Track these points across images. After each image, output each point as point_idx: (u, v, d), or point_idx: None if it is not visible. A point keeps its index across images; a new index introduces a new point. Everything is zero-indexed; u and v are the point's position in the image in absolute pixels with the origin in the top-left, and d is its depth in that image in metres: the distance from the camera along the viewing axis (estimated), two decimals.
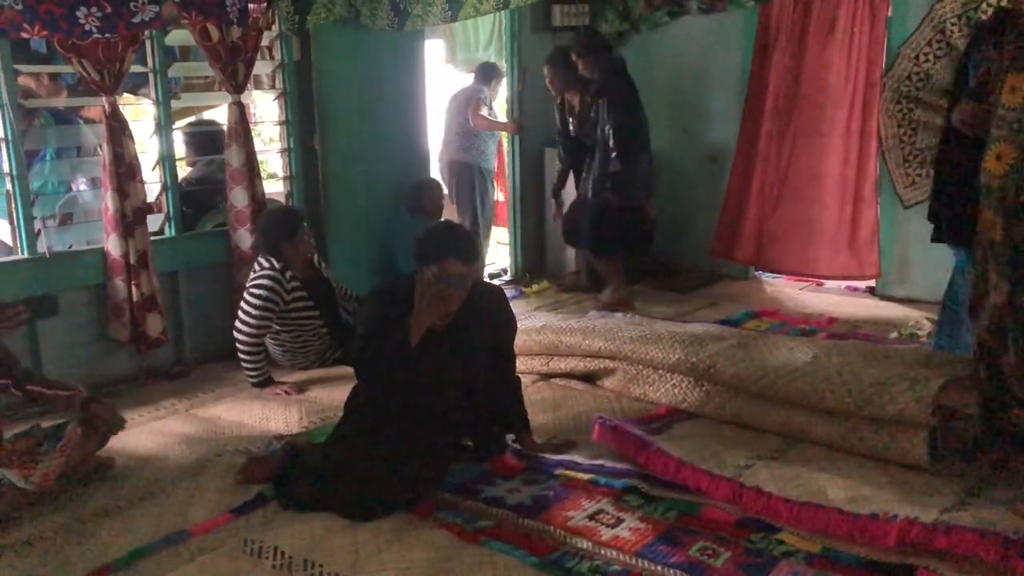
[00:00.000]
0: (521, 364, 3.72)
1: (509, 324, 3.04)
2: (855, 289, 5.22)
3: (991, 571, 2.22)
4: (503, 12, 5.52)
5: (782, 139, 5.25)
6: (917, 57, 4.61)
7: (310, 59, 4.40)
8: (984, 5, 4.29)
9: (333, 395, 3.56)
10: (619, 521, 2.57)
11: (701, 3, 5.36)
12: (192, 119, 4.93)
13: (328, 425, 3.14)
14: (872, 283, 5.11)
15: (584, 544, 2.43)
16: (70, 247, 3.88)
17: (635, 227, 4.95)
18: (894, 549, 2.33)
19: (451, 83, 5.83)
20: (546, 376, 3.77)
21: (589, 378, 3.71)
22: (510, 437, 3.08)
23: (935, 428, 2.80)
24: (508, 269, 5.93)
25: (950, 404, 2.90)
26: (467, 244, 2.81)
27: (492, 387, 2.98)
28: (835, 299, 5.10)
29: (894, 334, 4.24)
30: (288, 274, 3.76)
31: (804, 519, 2.48)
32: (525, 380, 3.71)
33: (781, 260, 5.41)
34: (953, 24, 4.43)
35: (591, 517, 2.60)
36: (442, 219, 4.51)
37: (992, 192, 2.56)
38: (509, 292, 5.34)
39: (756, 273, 5.66)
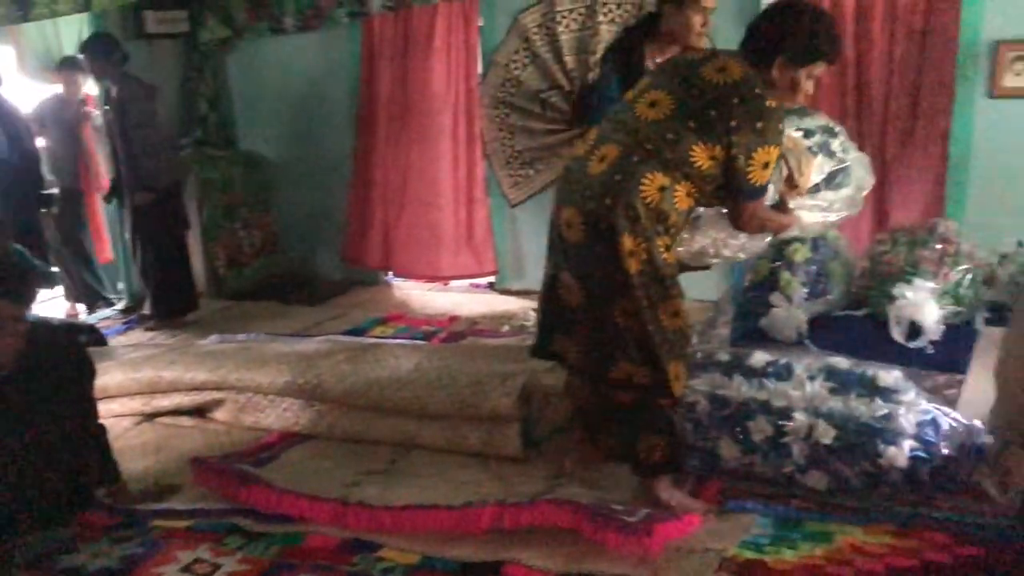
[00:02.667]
0: (119, 406, 3.41)
1: (82, 370, 2.72)
2: (478, 286, 5.47)
3: (575, 553, 2.38)
4: (87, 16, 5.02)
5: (398, 145, 5.35)
6: (508, 64, 4.90)
7: None
8: (559, 17, 4.66)
9: None
10: (216, 568, 2.41)
11: (297, 21, 5.32)
12: None
13: None
14: (492, 279, 5.38)
15: None
16: None
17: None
18: (490, 537, 2.42)
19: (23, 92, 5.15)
20: (151, 416, 3.48)
21: (200, 412, 3.48)
22: (101, 492, 2.78)
23: (526, 418, 2.98)
24: (120, 297, 5.41)
25: (541, 392, 3.10)
26: (16, 282, 2.47)
27: (69, 442, 2.66)
28: (459, 298, 5.29)
29: (506, 327, 4.48)
30: None
31: (406, 523, 2.50)
32: (125, 423, 3.40)
33: (410, 264, 5.53)
34: (535, 34, 4.77)
35: (185, 569, 2.41)
36: None
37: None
38: (120, 325, 4.90)
39: (388, 278, 5.73)
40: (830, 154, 3.01)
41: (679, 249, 2.62)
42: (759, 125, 2.34)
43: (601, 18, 4.58)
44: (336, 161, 5.54)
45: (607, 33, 4.51)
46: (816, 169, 2.91)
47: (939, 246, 2.97)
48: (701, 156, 2.35)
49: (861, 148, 3.51)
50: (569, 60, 4.71)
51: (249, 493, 2.67)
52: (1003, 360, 2.60)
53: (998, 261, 3.08)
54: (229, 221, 5.55)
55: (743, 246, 2.81)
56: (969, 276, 2.94)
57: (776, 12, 2.44)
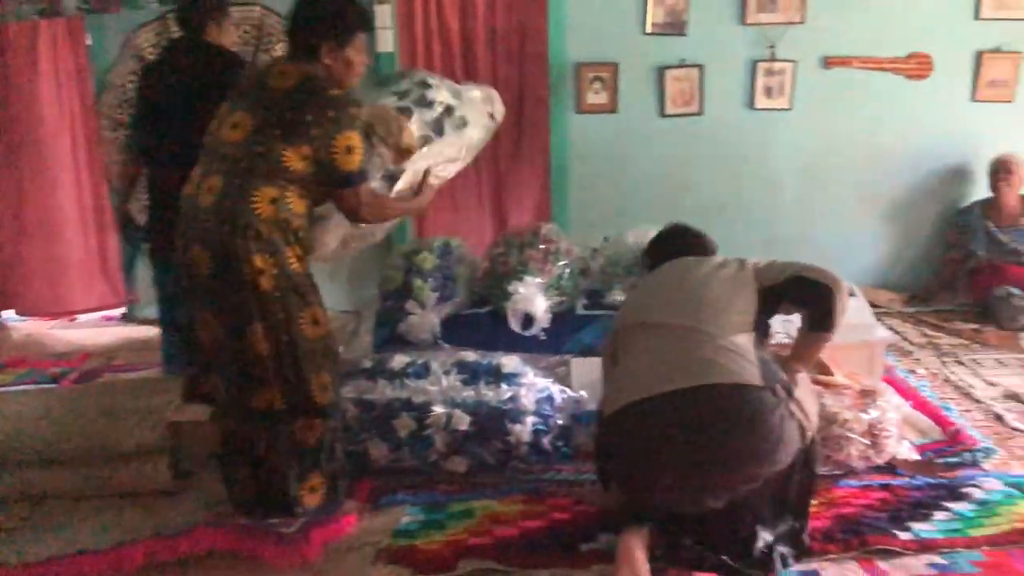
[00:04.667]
0: None
1: None
2: (111, 318, 5.14)
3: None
4: None
5: (10, 177, 4.91)
6: (124, 85, 4.68)
7: None
8: (167, 35, 4.53)
9: None
10: None
11: None
12: None
13: None
14: (124, 309, 5.09)
15: None
16: None
17: None
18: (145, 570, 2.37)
19: None
20: None
21: None
22: None
23: (176, 449, 2.92)
24: None
25: (191, 421, 3.05)
26: None
27: None
28: (90, 332, 4.94)
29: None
30: None
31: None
32: None
33: (34, 300, 5.10)
34: (150, 53, 4.61)
35: None
36: None
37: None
38: None
39: (2, 318, 5.17)
40: (428, 104, 3.04)
41: (317, 254, 2.72)
42: (331, 114, 2.45)
43: None
44: None
45: None
46: (418, 124, 2.97)
47: (543, 246, 3.41)
48: (293, 159, 2.44)
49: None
50: None
51: None
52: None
53: (591, 255, 3.60)
54: None
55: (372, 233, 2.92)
56: (568, 270, 3.42)
57: (300, 10, 2.58)
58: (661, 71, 4.68)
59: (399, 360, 3.04)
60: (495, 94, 3.41)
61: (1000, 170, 4.62)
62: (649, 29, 4.63)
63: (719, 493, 2.25)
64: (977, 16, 4.65)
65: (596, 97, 4.71)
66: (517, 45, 4.65)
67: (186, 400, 2.99)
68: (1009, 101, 4.74)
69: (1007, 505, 2.66)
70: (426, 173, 2.93)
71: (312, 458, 2.58)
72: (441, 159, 3.04)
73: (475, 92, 3.31)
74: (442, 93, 3.13)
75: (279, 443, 2.54)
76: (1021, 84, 4.73)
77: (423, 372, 3.00)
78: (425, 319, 3.25)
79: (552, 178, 4.77)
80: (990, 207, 4.70)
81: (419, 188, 2.91)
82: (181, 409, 2.97)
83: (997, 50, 4.68)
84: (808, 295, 2.42)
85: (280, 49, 4.55)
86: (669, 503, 2.28)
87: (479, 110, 3.25)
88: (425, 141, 2.98)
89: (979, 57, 4.70)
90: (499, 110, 3.37)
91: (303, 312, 2.50)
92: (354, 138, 2.50)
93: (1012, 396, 3.53)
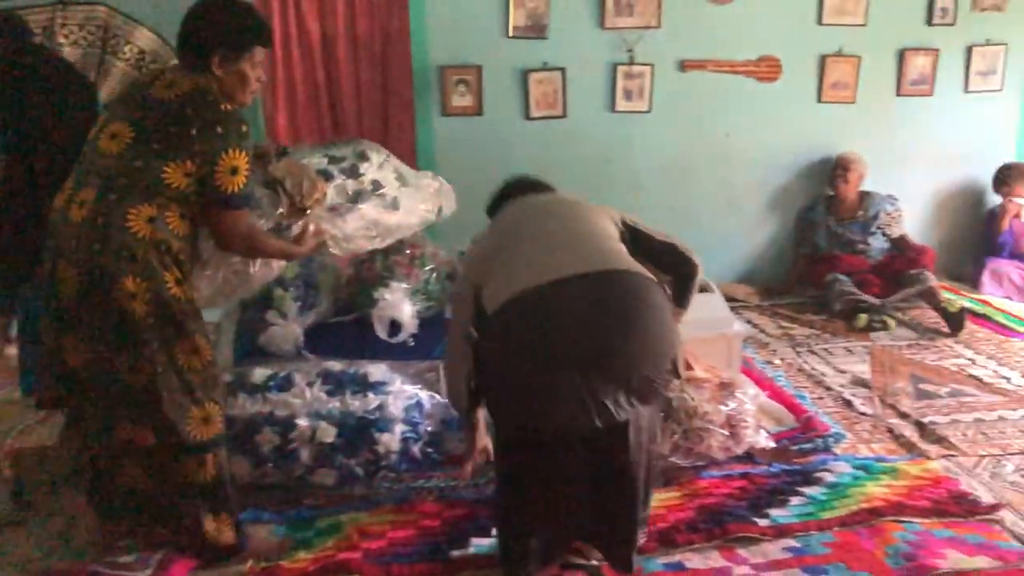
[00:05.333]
0: None
1: None
2: None
3: None
4: None
5: None
6: None
7: None
8: None
9: None
10: None
11: None
12: None
13: None
14: None
15: None
16: None
17: None
18: None
19: None
20: None
21: None
22: None
23: (17, 478, 2.74)
24: None
25: (34, 448, 2.87)
26: None
27: None
28: None
29: None
30: None
31: None
32: None
33: None
34: None
35: None
36: None
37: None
38: None
39: None
40: (355, 175, 2.98)
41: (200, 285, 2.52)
42: (219, 130, 2.29)
43: (62, 39, 4.30)
44: None
45: (71, 56, 4.25)
46: (337, 190, 2.89)
47: (408, 251, 3.37)
48: (175, 175, 2.26)
49: None
50: None
51: None
52: None
53: (457, 258, 3.58)
54: None
55: (254, 275, 2.71)
56: (434, 274, 3.39)
57: (193, 17, 2.39)
58: (525, 74, 4.72)
59: (260, 373, 2.94)
60: (450, 192, 3.32)
61: (839, 167, 4.90)
62: (511, 32, 4.66)
63: (617, 394, 2.09)
64: (820, 21, 4.90)
65: (461, 100, 4.70)
66: (380, 49, 4.58)
67: (40, 407, 2.77)
68: (851, 102, 5.02)
69: (855, 487, 2.81)
70: (317, 228, 2.74)
71: (211, 495, 2.40)
72: (348, 229, 2.88)
73: (429, 182, 3.24)
74: (382, 172, 3.05)
75: (165, 483, 2.38)
76: (862, 86, 5.02)
77: (286, 384, 2.90)
78: (287, 329, 3.15)
79: None
80: (832, 203, 4.96)
81: (300, 239, 2.69)
82: (24, 433, 2.79)
83: (839, 53, 4.95)
84: (679, 265, 2.57)
85: (129, 51, 4.34)
86: (562, 412, 2.08)
87: (422, 199, 3.15)
88: (333, 208, 2.85)
89: (823, 60, 4.95)
90: (449, 207, 3.28)
91: (181, 341, 2.29)
92: (240, 159, 2.31)
93: (859, 382, 3.73)
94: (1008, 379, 3.74)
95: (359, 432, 2.83)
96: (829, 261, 4.85)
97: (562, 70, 4.73)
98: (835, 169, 4.92)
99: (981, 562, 2.41)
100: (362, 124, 4.64)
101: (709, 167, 5.02)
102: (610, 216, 2.47)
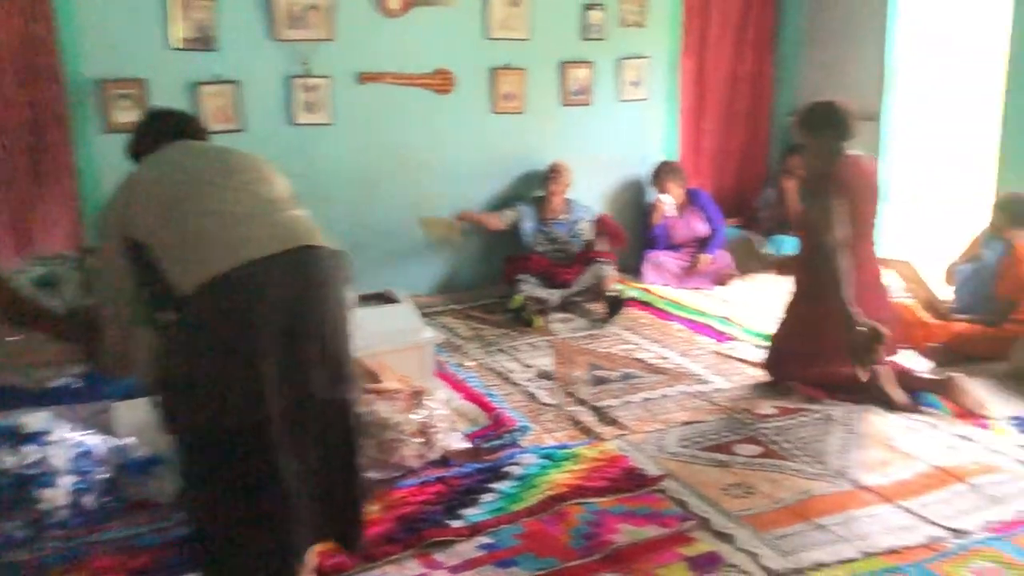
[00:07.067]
0: None
1: None
2: None
3: None
4: None
5: None
6: None
7: None
8: None
9: None
10: None
11: None
12: None
13: None
14: None
15: None
16: None
17: None
18: None
19: None
20: None
21: None
22: None
23: None
24: None
25: None
26: None
27: None
28: None
29: None
30: None
31: None
32: None
33: None
34: None
35: None
36: None
37: None
38: None
39: None
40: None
41: None
42: None
43: None
44: None
45: None
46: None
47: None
48: None
49: None
50: None
51: None
52: None
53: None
54: None
55: None
56: None
57: None
58: (195, 87, 4.49)
59: None
60: None
61: (550, 172, 5.19)
62: (177, 44, 4.41)
63: (323, 377, 2.09)
64: (487, 36, 5.15)
65: (126, 115, 4.36)
66: (27, 60, 4.13)
67: None
68: (520, 112, 5.33)
69: (541, 476, 3.00)
70: None
71: None
72: None
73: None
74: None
75: None
76: (530, 97, 5.35)
77: None
78: None
79: (88, 201, 4.33)
80: (542, 203, 5.24)
81: None
82: None
83: (507, 67, 5.24)
84: None
85: None
86: (273, 402, 2.00)
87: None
88: None
89: (493, 73, 5.21)
90: None
91: None
92: None
93: (544, 375, 3.99)
94: (667, 359, 4.18)
95: (17, 490, 2.54)
96: (520, 260, 5.12)
97: (236, 83, 4.56)
98: (550, 172, 5.19)
99: (651, 531, 2.66)
100: (8, 143, 4.16)
101: (394, 178, 5.08)
102: (279, 174, 2.36)
